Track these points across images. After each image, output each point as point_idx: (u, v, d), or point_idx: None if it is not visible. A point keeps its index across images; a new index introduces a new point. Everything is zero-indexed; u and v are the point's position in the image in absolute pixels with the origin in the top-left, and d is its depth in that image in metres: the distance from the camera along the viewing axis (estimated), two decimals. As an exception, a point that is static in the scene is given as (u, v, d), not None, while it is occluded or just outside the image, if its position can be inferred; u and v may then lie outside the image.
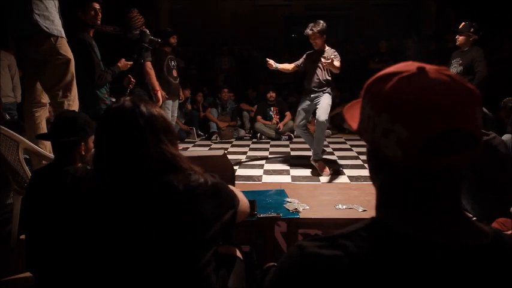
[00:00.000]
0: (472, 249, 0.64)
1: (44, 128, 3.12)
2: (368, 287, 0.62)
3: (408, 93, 0.63)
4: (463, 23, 4.68)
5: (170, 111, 5.51)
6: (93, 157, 1.21)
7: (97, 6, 3.36)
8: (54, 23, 2.91)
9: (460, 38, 4.72)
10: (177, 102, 5.91)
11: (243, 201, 1.39)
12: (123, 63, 3.64)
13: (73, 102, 3.04)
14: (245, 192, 1.53)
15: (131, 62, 3.71)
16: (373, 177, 0.75)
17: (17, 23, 2.89)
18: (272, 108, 7.05)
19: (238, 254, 1.74)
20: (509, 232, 1.91)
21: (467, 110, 0.63)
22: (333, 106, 7.38)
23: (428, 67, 0.66)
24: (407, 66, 0.66)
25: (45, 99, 3.13)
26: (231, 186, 1.50)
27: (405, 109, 0.62)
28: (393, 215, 0.69)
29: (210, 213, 1.14)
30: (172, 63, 5.68)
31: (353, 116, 0.74)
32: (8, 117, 4.41)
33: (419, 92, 0.62)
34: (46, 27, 2.85)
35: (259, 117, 7.00)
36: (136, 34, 3.65)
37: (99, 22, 3.41)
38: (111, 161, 1.14)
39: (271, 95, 6.98)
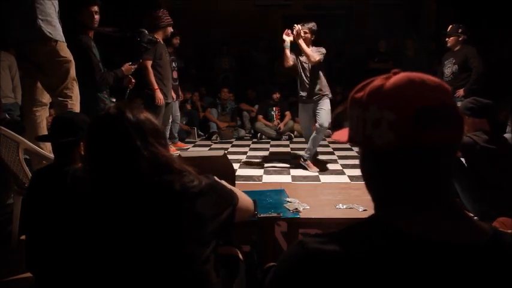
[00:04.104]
0: (471, 247, 0.65)
1: (44, 128, 3.12)
2: (368, 283, 0.63)
3: (390, 83, 0.69)
4: (451, 26, 4.87)
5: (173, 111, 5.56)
6: (85, 161, 1.22)
7: (96, 8, 3.37)
8: (56, 28, 2.93)
9: (449, 40, 4.92)
10: (177, 102, 5.97)
11: (244, 200, 1.38)
12: (127, 68, 3.64)
13: (75, 103, 3.06)
14: (245, 192, 1.53)
15: (135, 66, 3.71)
16: (367, 178, 0.76)
17: (20, 27, 2.90)
18: (274, 108, 7.06)
19: (239, 254, 1.74)
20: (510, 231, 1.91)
21: (444, 91, 0.68)
22: (334, 105, 7.44)
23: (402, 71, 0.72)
24: (385, 74, 0.73)
25: (46, 98, 3.14)
26: (230, 186, 1.50)
27: (390, 94, 0.68)
28: (391, 211, 0.70)
29: (206, 212, 1.14)
30: (173, 64, 5.72)
31: (342, 135, 0.79)
32: (8, 117, 4.41)
33: (400, 80, 0.69)
34: (49, 32, 2.88)
35: (260, 116, 7.00)
36: (135, 34, 3.65)
37: (96, 24, 3.42)
38: (103, 167, 1.15)
39: (277, 95, 6.99)
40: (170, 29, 4.75)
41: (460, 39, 4.81)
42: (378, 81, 0.71)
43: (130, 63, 3.68)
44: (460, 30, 4.81)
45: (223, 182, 1.61)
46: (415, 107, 0.65)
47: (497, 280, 0.63)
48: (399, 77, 0.69)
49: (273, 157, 5.46)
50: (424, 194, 0.68)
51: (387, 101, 0.67)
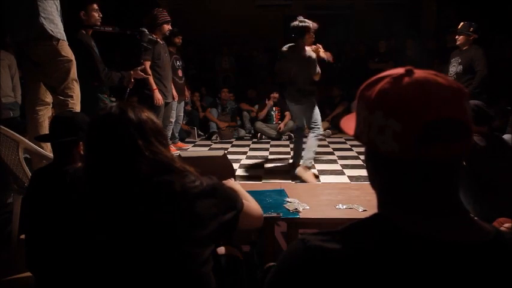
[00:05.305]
0: (473, 246, 0.65)
1: (46, 127, 3.12)
2: (371, 281, 0.63)
3: (398, 90, 0.66)
4: (462, 23, 4.73)
5: (175, 111, 5.54)
6: (84, 160, 1.22)
7: (96, 6, 3.39)
8: (57, 27, 2.94)
9: (459, 38, 4.77)
10: (182, 102, 5.99)
11: (252, 208, 1.38)
12: (136, 73, 3.62)
13: (76, 102, 3.07)
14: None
15: (142, 73, 3.71)
16: (372, 178, 0.76)
17: (22, 27, 2.90)
18: (274, 108, 7.06)
19: (239, 254, 1.74)
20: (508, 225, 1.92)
21: (456, 101, 0.65)
22: (333, 106, 7.44)
23: (416, 69, 0.68)
24: (396, 69, 0.70)
25: (49, 98, 3.15)
26: (244, 192, 1.49)
27: (397, 104, 0.65)
28: (394, 211, 0.70)
29: (206, 213, 1.14)
30: (178, 63, 5.74)
31: (349, 126, 0.77)
32: (12, 115, 4.42)
33: (409, 88, 0.65)
34: (51, 30, 2.89)
35: (260, 114, 6.99)
36: (135, 33, 3.66)
37: (99, 22, 3.44)
38: (103, 166, 1.15)
39: (275, 95, 6.98)
40: (168, 27, 4.74)
41: (470, 38, 4.70)
42: (388, 81, 0.68)
43: (140, 68, 3.67)
44: (471, 29, 4.69)
45: (237, 186, 1.61)
46: (423, 120, 0.63)
47: (499, 279, 0.63)
48: (411, 81, 0.66)
49: (273, 157, 5.46)
50: (426, 196, 0.68)
51: (394, 109, 0.65)
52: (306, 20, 4.19)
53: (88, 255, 1.15)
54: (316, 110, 4.34)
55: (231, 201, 1.25)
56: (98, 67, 3.33)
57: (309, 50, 4.20)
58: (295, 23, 4.18)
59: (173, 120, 5.51)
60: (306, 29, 4.13)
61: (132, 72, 3.60)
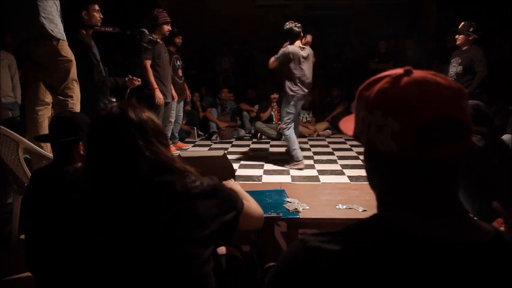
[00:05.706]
0: (472, 246, 0.65)
1: (46, 128, 3.13)
2: (370, 282, 0.63)
3: (397, 89, 0.66)
4: (462, 23, 4.74)
5: (174, 111, 5.55)
6: (84, 160, 1.21)
7: (97, 7, 3.40)
8: (57, 26, 2.95)
9: (459, 38, 4.78)
10: (182, 102, 5.99)
11: (252, 209, 1.38)
12: (131, 82, 3.64)
13: (76, 102, 3.07)
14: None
15: (139, 81, 3.73)
16: (371, 178, 0.76)
17: (22, 26, 2.91)
18: (274, 108, 7.05)
19: (239, 254, 1.74)
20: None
21: (455, 101, 0.65)
22: (333, 106, 7.45)
23: (415, 69, 0.69)
24: (395, 70, 0.70)
25: (49, 98, 3.15)
26: (245, 193, 1.49)
27: (396, 103, 0.65)
28: (393, 211, 0.70)
29: (206, 214, 1.14)
30: (178, 62, 5.74)
31: (348, 127, 0.77)
32: (11, 115, 4.43)
33: (408, 87, 0.65)
34: (51, 29, 2.90)
35: (263, 115, 7.00)
36: (135, 33, 3.66)
37: (99, 23, 3.45)
38: (104, 166, 1.14)
39: (275, 96, 6.97)
40: (167, 28, 4.75)
41: (470, 38, 4.70)
42: (387, 81, 0.68)
43: (136, 79, 3.69)
44: (471, 29, 4.68)
45: (237, 187, 1.61)
46: (422, 120, 0.63)
47: (499, 279, 0.64)
48: (410, 81, 0.66)
49: (273, 157, 5.46)
50: (426, 196, 0.68)
51: (393, 109, 0.65)
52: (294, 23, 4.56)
53: (88, 255, 1.15)
54: None
55: (231, 201, 1.25)
56: (92, 70, 3.35)
57: (308, 48, 4.58)
58: (290, 25, 4.54)
59: (173, 120, 5.51)
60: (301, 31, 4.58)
61: (127, 80, 3.61)
